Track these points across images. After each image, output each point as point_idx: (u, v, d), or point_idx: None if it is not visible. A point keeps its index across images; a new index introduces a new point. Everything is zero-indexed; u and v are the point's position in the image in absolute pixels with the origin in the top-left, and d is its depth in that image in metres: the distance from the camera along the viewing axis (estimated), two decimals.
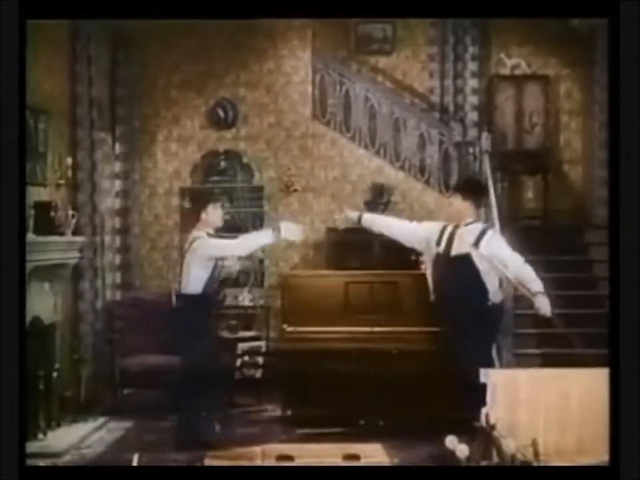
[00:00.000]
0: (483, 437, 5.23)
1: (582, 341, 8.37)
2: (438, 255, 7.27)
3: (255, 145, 10.57)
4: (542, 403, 5.46)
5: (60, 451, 7.19)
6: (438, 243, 7.28)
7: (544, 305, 7.04)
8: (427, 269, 7.50)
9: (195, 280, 7.24)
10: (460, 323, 7.03)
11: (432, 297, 7.42)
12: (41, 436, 7.46)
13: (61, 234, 7.90)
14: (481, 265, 7.10)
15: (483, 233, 7.19)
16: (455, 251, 7.18)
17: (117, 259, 10.36)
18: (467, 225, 7.20)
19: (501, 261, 7.09)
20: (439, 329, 7.38)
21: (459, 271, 7.11)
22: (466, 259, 7.12)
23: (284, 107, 10.53)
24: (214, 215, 7.42)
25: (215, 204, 7.48)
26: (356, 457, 6.75)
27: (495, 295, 7.16)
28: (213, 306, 7.71)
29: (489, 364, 6.78)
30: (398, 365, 7.30)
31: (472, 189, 7.42)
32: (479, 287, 7.12)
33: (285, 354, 7.74)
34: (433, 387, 7.17)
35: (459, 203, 7.22)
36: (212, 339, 7.64)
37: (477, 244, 7.12)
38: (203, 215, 7.38)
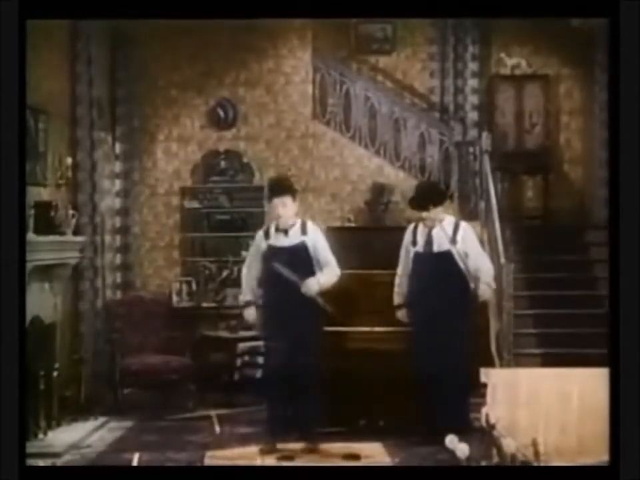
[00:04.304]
0: (483, 437, 5.23)
1: (582, 341, 8.41)
2: (417, 254, 7.31)
3: (255, 145, 10.57)
4: (542, 403, 5.46)
5: (60, 451, 7.17)
6: (414, 243, 7.33)
7: (485, 295, 7.29)
8: (399, 270, 7.50)
9: None
10: (440, 321, 7.09)
11: (398, 299, 7.48)
12: (41, 436, 7.45)
13: (61, 234, 7.89)
14: (460, 261, 7.19)
15: (456, 227, 7.29)
16: (437, 248, 7.25)
17: (117, 259, 10.36)
18: (440, 222, 7.28)
19: (468, 252, 7.20)
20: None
21: (443, 268, 7.20)
22: (448, 256, 7.20)
23: (284, 107, 10.53)
24: None
25: None
26: (356, 457, 6.77)
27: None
28: None
29: (467, 362, 6.88)
30: (398, 364, 7.28)
31: (438, 197, 7.41)
32: (461, 283, 7.21)
33: None
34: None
35: (432, 212, 7.26)
36: None
37: (453, 240, 7.22)
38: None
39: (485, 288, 7.23)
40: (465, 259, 7.20)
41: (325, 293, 7.03)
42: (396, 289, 7.53)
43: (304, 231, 7.05)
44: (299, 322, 6.89)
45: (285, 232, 7.02)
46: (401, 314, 7.48)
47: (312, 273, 7.01)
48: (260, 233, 7.21)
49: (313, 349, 6.95)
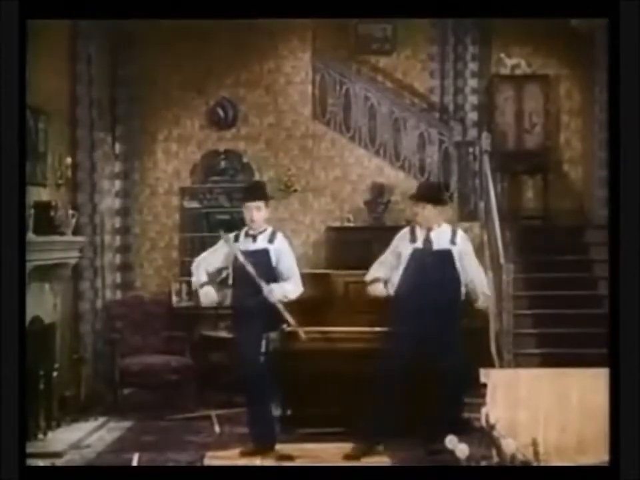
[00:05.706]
0: (483, 437, 5.24)
1: (582, 341, 8.41)
2: (415, 250, 7.23)
3: (255, 145, 10.58)
4: (542, 403, 5.47)
5: (60, 451, 7.18)
6: (413, 241, 7.26)
7: (485, 304, 7.33)
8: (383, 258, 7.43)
9: None
10: (434, 320, 7.02)
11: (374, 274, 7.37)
12: (40, 436, 7.46)
13: (61, 234, 7.90)
14: (457, 262, 7.18)
15: (454, 232, 7.26)
16: (437, 246, 7.19)
17: (117, 259, 10.37)
18: (439, 227, 7.24)
19: (463, 256, 7.19)
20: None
21: (440, 265, 7.13)
22: (447, 255, 7.15)
23: (284, 107, 10.54)
24: None
25: None
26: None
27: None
28: None
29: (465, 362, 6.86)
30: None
31: (437, 196, 7.36)
32: (456, 283, 7.17)
33: (284, 354, 7.72)
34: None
35: (430, 210, 7.20)
36: None
37: (453, 241, 7.18)
38: None
39: (484, 298, 7.24)
40: (461, 261, 7.19)
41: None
42: (375, 266, 7.36)
43: (271, 239, 6.98)
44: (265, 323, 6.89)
45: (254, 238, 6.97)
46: (375, 287, 7.32)
47: (271, 281, 6.89)
48: (231, 236, 7.08)
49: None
